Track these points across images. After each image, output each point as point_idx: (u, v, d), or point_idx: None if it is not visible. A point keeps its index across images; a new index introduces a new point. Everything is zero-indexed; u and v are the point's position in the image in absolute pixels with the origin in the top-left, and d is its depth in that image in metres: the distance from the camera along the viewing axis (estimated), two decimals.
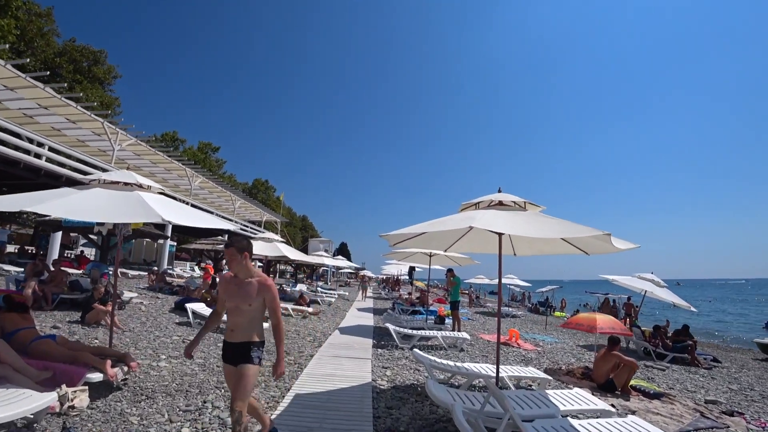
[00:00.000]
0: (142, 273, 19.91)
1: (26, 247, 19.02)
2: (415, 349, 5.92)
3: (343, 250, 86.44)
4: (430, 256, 12.38)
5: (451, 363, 5.93)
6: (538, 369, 7.26)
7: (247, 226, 33.56)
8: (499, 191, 5.32)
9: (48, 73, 17.76)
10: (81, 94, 21.84)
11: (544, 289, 33.98)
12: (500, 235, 5.08)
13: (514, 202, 5.15)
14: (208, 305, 10.64)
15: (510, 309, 24.21)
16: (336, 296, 22.08)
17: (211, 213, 26.95)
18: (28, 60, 17.18)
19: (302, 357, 7.35)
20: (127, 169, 23.58)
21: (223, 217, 29.82)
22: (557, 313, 29.92)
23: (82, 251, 24.80)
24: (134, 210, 4.68)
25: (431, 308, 17.86)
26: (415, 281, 41.55)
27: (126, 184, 5.49)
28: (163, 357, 6.47)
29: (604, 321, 7.39)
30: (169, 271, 24.29)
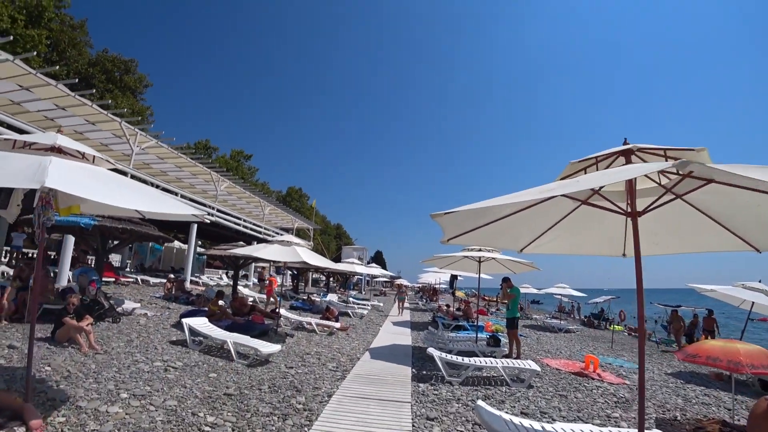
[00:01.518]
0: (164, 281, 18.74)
1: (49, 253, 18.20)
2: (479, 404, 3.81)
3: (378, 259, 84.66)
4: (480, 261, 10.22)
5: (537, 426, 3.75)
6: (650, 422, 5.00)
7: (275, 233, 32.29)
8: (625, 143, 3.20)
9: (77, 79, 17.04)
10: (110, 102, 21.32)
11: (598, 300, 30.46)
12: (634, 215, 2.97)
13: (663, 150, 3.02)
14: (212, 320, 8.92)
15: (560, 322, 21.41)
16: (369, 307, 20.10)
17: (229, 215, 25.78)
18: (57, 67, 16.61)
19: (316, 398, 5.37)
20: (151, 173, 23.04)
21: (253, 224, 28.64)
22: (616, 327, 26.77)
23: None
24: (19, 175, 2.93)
25: (477, 322, 15.61)
26: (456, 291, 38.88)
27: (48, 149, 3.79)
28: (124, 396, 4.67)
29: (753, 355, 4.97)
30: (193, 279, 23.17)
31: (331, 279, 37.70)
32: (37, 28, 24.38)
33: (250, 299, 16.40)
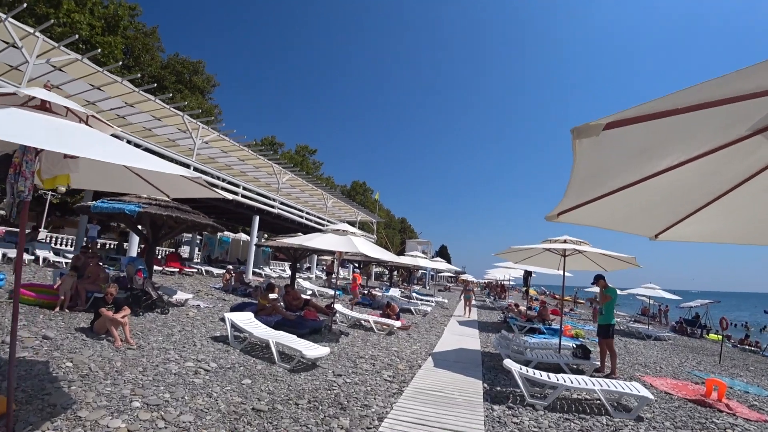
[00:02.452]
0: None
1: (124, 244, 18.97)
2: None
3: (443, 253, 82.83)
4: (564, 255, 8.63)
5: None
6: None
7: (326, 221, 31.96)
8: None
9: (155, 84, 17.60)
10: (185, 103, 21.95)
11: (692, 304, 26.70)
12: None
13: None
14: (261, 315, 8.22)
15: (648, 327, 18.67)
16: (433, 304, 18.86)
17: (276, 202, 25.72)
18: (139, 75, 17.24)
19: (363, 422, 4.30)
20: (216, 167, 23.40)
21: (316, 217, 28.46)
22: (712, 336, 23.27)
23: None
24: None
25: (553, 325, 13.82)
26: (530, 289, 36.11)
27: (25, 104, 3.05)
28: (135, 405, 3.91)
29: None
30: (256, 270, 23.29)
31: (395, 273, 36.87)
32: (113, 35, 25.75)
33: (309, 292, 15.84)
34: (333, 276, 24.51)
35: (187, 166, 17.51)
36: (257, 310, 8.86)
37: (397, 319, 11.54)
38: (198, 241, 30.57)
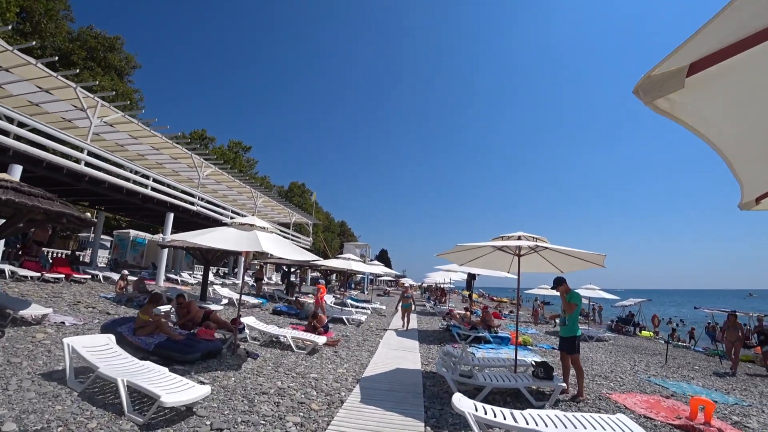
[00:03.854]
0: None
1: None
2: None
3: (382, 257, 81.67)
4: (519, 254, 7.33)
5: None
6: None
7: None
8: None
9: (56, 57, 14.44)
10: (97, 82, 18.65)
11: (626, 303, 27.14)
12: None
13: None
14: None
15: (588, 328, 18.29)
16: (369, 311, 17.21)
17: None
18: (34, 43, 14.04)
19: None
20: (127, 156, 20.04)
21: (244, 217, 25.87)
22: (644, 333, 23.74)
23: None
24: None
25: (499, 332, 12.67)
26: (465, 292, 35.40)
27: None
28: None
29: None
30: (171, 276, 20.46)
31: (332, 278, 34.87)
32: None
33: (224, 301, 13.61)
34: (263, 282, 22.10)
35: (81, 150, 14.60)
36: (135, 328, 6.73)
37: (325, 332, 9.77)
38: (108, 244, 26.90)
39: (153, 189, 17.68)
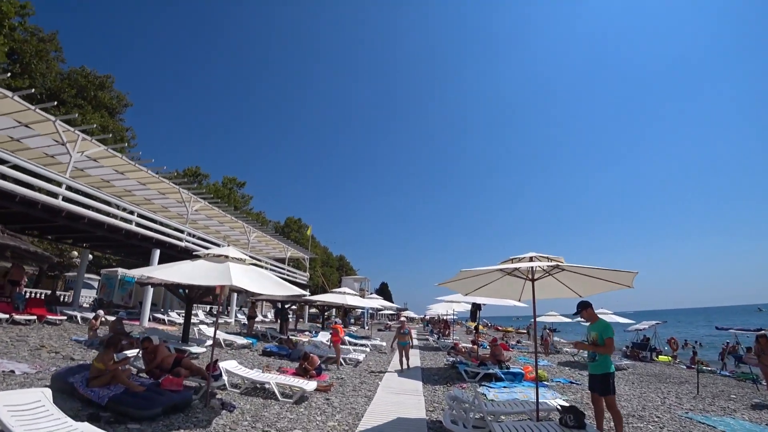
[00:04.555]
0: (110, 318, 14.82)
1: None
2: None
3: (383, 290, 79.88)
4: (533, 279, 6.42)
5: None
6: None
7: (265, 264, 28.50)
8: None
9: (42, 96, 14.01)
10: (76, 115, 18.16)
11: (640, 326, 25.37)
12: None
13: None
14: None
15: None
16: (369, 349, 16.00)
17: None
18: (29, 86, 13.68)
19: None
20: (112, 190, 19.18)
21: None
22: (662, 358, 22.26)
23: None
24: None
25: (510, 366, 11.49)
26: (470, 323, 33.61)
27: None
28: None
29: None
30: (158, 316, 19.28)
31: (330, 313, 33.47)
32: None
33: (208, 343, 12.45)
34: (255, 320, 20.87)
35: (59, 184, 13.85)
36: (89, 378, 5.72)
37: (318, 375, 8.71)
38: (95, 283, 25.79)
39: (138, 224, 16.81)
